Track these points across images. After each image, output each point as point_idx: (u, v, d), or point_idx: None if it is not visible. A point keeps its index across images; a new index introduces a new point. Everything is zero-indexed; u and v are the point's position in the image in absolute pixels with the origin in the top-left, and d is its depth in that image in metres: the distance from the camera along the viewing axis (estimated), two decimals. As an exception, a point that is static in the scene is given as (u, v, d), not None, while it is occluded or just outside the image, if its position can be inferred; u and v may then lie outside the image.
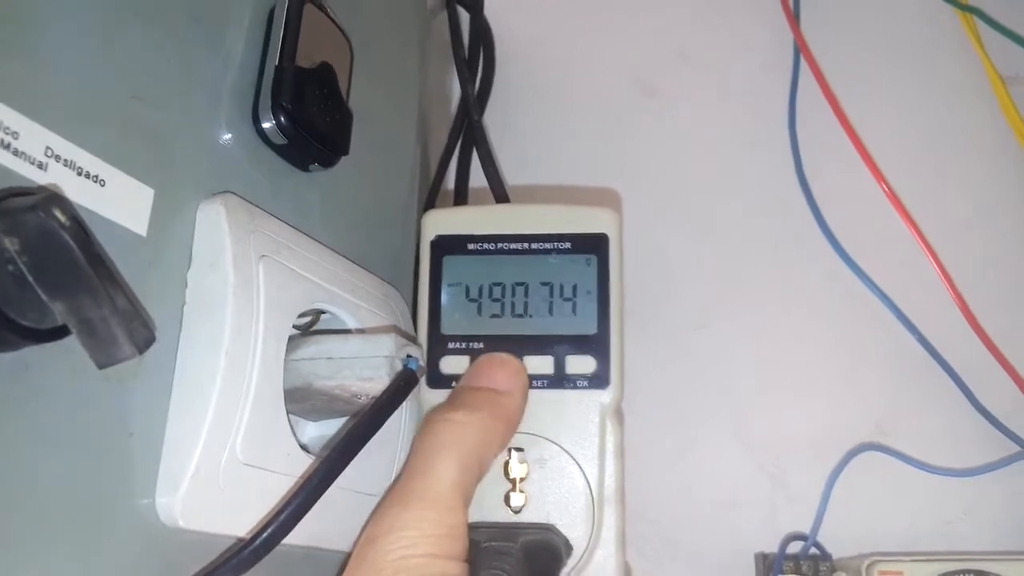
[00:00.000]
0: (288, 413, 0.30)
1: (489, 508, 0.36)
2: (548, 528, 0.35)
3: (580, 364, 0.37)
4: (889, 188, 0.50)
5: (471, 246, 0.38)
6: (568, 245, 0.38)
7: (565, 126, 0.58)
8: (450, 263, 0.38)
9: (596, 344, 0.37)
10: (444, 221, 0.39)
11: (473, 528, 0.34)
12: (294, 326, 0.31)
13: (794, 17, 0.56)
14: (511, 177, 0.55)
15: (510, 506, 0.36)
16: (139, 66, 0.27)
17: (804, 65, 0.54)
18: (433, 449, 0.32)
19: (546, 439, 0.36)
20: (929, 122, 0.54)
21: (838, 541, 0.46)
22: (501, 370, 0.36)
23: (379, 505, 0.31)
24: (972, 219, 0.52)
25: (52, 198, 0.21)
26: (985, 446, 0.47)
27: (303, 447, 0.31)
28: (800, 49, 0.55)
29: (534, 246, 0.38)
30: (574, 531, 0.35)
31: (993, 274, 0.51)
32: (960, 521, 0.47)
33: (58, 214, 0.21)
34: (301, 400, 0.32)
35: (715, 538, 0.49)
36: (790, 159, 0.54)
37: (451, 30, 0.52)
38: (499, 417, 0.34)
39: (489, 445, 0.33)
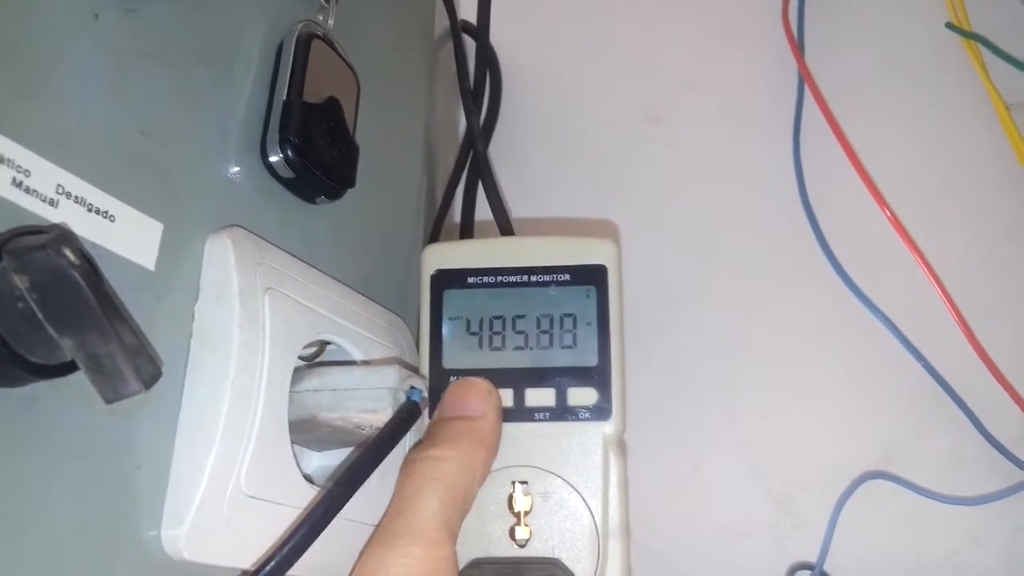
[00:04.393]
0: (292, 443, 0.30)
1: (494, 542, 0.36)
2: (553, 563, 0.35)
3: (582, 396, 0.37)
4: (893, 215, 0.50)
5: (471, 279, 0.39)
6: (567, 277, 0.38)
7: (570, 154, 0.58)
8: (450, 297, 0.38)
9: (597, 375, 0.37)
10: (444, 255, 0.39)
11: (478, 564, 0.34)
12: (300, 356, 0.32)
13: (798, 46, 0.56)
14: (516, 205, 0.55)
15: (515, 540, 0.36)
16: (148, 103, 0.27)
17: (808, 94, 0.55)
18: (415, 487, 0.32)
19: (549, 472, 0.36)
20: (934, 150, 0.54)
21: (845, 570, 0.46)
22: (470, 395, 0.36)
23: (364, 548, 0.31)
24: (977, 246, 0.52)
25: (62, 237, 0.21)
26: (992, 474, 0.47)
27: (307, 477, 0.31)
28: (804, 78, 0.55)
29: (533, 278, 0.38)
30: (579, 565, 0.35)
31: (999, 301, 0.50)
32: (968, 550, 0.47)
33: (67, 253, 0.21)
34: (305, 431, 0.32)
35: (721, 567, 0.48)
36: (795, 187, 0.54)
37: (457, 60, 0.52)
38: (476, 444, 0.34)
39: (472, 474, 0.33)
